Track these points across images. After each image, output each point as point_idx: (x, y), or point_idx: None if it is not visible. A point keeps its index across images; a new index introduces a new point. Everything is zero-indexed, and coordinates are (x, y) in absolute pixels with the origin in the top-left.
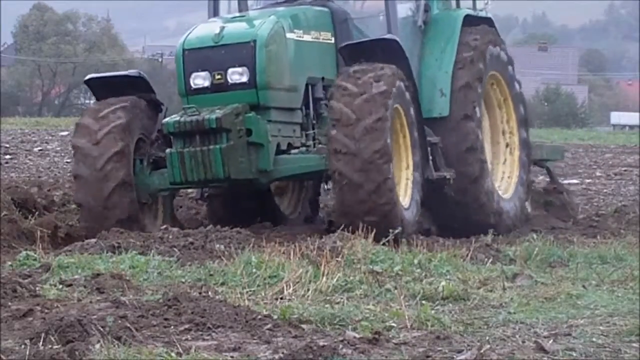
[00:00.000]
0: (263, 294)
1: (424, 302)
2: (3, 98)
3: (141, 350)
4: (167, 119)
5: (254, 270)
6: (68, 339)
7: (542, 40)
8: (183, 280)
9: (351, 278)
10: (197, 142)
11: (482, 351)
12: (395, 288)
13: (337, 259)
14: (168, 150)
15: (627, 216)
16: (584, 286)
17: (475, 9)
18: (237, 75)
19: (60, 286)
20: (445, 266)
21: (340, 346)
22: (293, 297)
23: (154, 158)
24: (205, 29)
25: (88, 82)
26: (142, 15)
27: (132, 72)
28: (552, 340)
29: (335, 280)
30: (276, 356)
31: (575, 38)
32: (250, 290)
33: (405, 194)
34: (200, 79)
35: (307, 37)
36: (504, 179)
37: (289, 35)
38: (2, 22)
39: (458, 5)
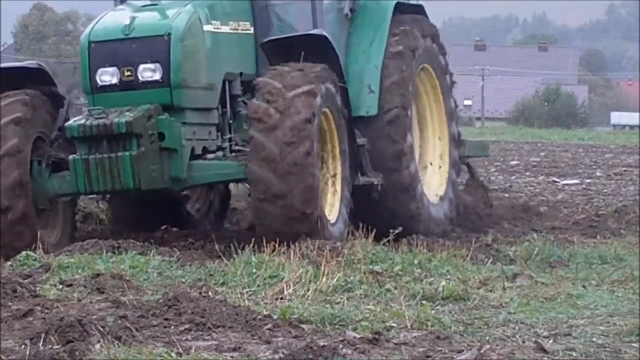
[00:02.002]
0: (263, 294)
1: (424, 302)
2: None
3: (141, 350)
4: (70, 122)
5: (254, 270)
6: (68, 339)
7: (542, 40)
8: (183, 280)
9: (351, 278)
10: (104, 149)
11: (482, 351)
12: (395, 288)
13: (337, 259)
14: (71, 157)
15: (627, 216)
16: (584, 286)
17: None
18: (148, 72)
19: (61, 286)
20: (445, 266)
21: (340, 346)
22: (293, 297)
23: (54, 160)
24: (113, 19)
25: None
26: None
27: (30, 63)
28: (552, 340)
29: (335, 280)
30: (276, 356)
31: (575, 38)
32: (250, 290)
33: (333, 208)
34: (107, 76)
35: (225, 29)
36: (434, 180)
37: (206, 27)
38: (2, 22)
39: None
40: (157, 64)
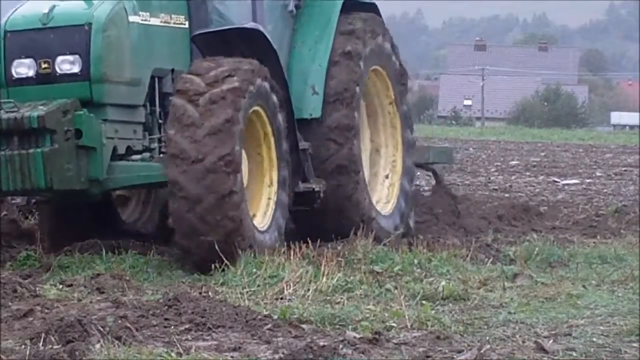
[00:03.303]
0: (263, 294)
1: (424, 302)
2: None
3: (141, 350)
4: None
5: (254, 270)
6: (68, 339)
7: (542, 40)
8: (183, 280)
9: (351, 278)
10: (15, 145)
11: (482, 351)
12: (395, 288)
13: (337, 259)
14: None
15: (627, 216)
16: (584, 286)
17: None
18: (67, 64)
19: (61, 286)
20: (445, 266)
21: (341, 346)
22: (293, 297)
23: None
24: (32, 8)
25: None
26: None
27: None
28: (552, 340)
29: (335, 280)
30: (276, 356)
31: (575, 38)
32: (251, 290)
33: (265, 215)
34: (23, 67)
35: (155, 21)
36: (384, 190)
37: (132, 18)
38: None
39: None
40: (76, 56)
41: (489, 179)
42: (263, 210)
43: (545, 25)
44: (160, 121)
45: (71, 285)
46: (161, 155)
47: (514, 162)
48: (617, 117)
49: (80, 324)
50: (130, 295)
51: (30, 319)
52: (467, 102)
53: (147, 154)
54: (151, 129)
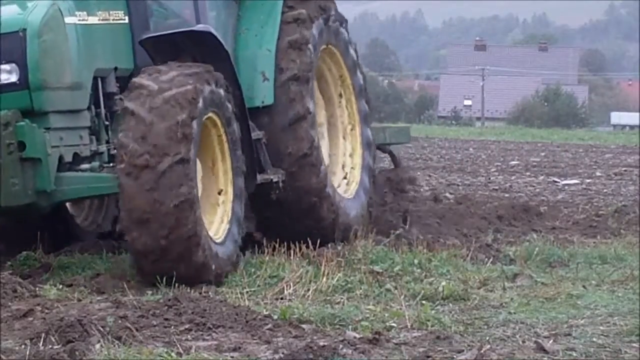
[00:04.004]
0: (263, 294)
1: (424, 302)
2: None
3: (141, 350)
4: None
5: (254, 270)
6: (68, 339)
7: (543, 40)
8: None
9: (351, 278)
10: None
11: (482, 351)
12: (395, 288)
13: (337, 259)
14: None
15: (627, 216)
16: (584, 286)
17: None
18: (4, 73)
19: (61, 286)
20: (446, 266)
21: (341, 346)
22: (293, 297)
23: None
24: None
25: None
26: None
27: None
28: (552, 340)
29: (335, 280)
30: (276, 356)
31: (575, 38)
32: (251, 290)
33: (220, 226)
34: None
35: (93, 20)
36: (346, 171)
37: (68, 19)
38: None
39: None
40: (13, 65)
41: (489, 179)
42: (218, 221)
43: (545, 25)
44: (106, 123)
45: (71, 285)
46: (112, 164)
47: (514, 162)
48: (617, 117)
49: (80, 324)
50: (130, 295)
51: (30, 319)
52: (467, 102)
53: (96, 163)
54: (98, 132)
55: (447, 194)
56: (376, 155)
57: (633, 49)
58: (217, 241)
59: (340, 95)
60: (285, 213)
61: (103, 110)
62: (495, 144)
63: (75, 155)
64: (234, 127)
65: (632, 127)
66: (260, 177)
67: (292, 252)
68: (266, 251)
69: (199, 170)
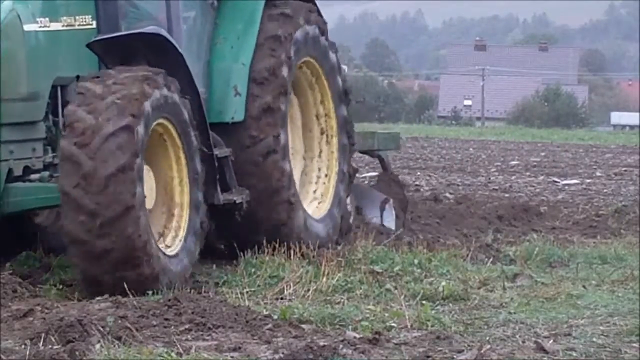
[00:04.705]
0: (263, 294)
1: (424, 302)
2: None
3: (141, 350)
4: None
5: (254, 270)
6: (68, 339)
7: (543, 40)
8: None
9: (351, 278)
10: None
11: (482, 351)
12: (396, 288)
13: (337, 259)
14: None
15: (627, 216)
16: (584, 286)
17: None
18: None
19: (61, 286)
20: (446, 266)
21: (341, 346)
22: (293, 297)
23: None
24: None
25: None
26: None
27: None
28: (552, 340)
29: (335, 280)
30: (276, 356)
31: (575, 38)
32: (251, 290)
33: (175, 239)
34: None
35: (56, 26)
36: (319, 184)
37: (28, 26)
38: None
39: None
40: None
41: (489, 179)
42: (173, 235)
43: (545, 25)
44: (64, 133)
45: (71, 285)
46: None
47: (514, 162)
48: (617, 117)
49: (80, 324)
50: (130, 295)
51: (30, 319)
52: (467, 102)
53: (46, 173)
54: (54, 142)
55: (447, 194)
56: (355, 174)
57: (633, 49)
58: (170, 253)
59: (317, 103)
60: (248, 236)
61: (61, 120)
62: (495, 144)
63: (26, 168)
64: (190, 135)
65: (632, 127)
66: (224, 197)
67: (292, 252)
68: (266, 251)
69: (150, 179)
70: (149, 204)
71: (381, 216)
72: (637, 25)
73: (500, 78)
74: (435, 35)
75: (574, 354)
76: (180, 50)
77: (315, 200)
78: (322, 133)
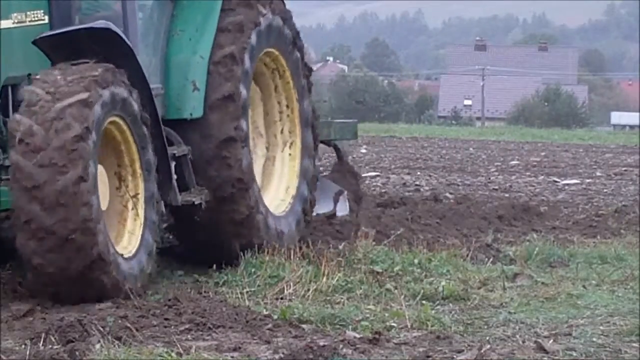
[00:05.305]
0: (263, 294)
1: (424, 302)
2: None
3: (141, 350)
4: None
5: (254, 270)
6: (68, 339)
7: (542, 40)
8: (183, 280)
9: (351, 278)
10: None
11: (482, 351)
12: (396, 288)
13: (337, 259)
14: None
15: (627, 216)
16: (584, 286)
17: None
18: None
19: None
20: (446, 266)
21: (341, 346)
22: (293, 297)
23: None
24: None
25: None
26: None
27: None
28: (552, 340)
29: (335, 280)
30: (276, 356)
31: (575, 38)
32: (251, 290)
33: (132, 236)
34: None
35: (5, 23)
36: (279, 194)
37: None
38: None
39: None
40: None
41: (489, 179)
42: (129, 233)
43: (545, 25)
44: (11, 145)
45: None
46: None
47: (514, 162)
48: (617, 117)
49: (80, 324)
50: (130, 296)
51: (30, 319)
52: (467, 102)
53: None
54: (4, 145)
55: (447, 194)
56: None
57: (633, 49)
58: (128, 255)
59: (280, 99)
60: (209, 237)
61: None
62: (495, 144)
63: None
64: (142, 129)
65: (632, 127)
66: (182, 197)
67: (292, 252)
68: (266, 251)
69: (103, 177)
70: (103, 205)
71: (334, 207)
72: (637, 25)
73: (500, 78)
74: (435, 35)
75: (574, 354)
76: (130, 45)
77: (278, 196)
78: (284, 129)
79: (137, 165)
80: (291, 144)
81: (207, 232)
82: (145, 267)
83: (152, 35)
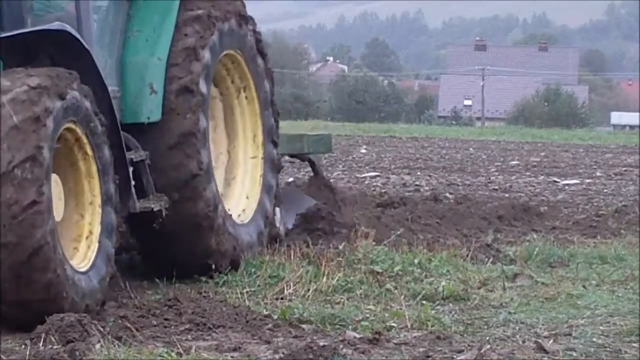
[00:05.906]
0: (263, 294)
1: (424, 302)
2: None
3: (141, 350)
4: None
5: (254, 270)
6: (68, 339)
7: (542, 40)
8: (183, 280)
9: (351, 278)
10: None
11: (482, 351)
12: (396, 288)
13: (337, 259)
14: None
15: (627, 216)
16: (584, 286)
17: None
18: None
19: None
20: (446, 266)
21: (341, 346)
22: (293, 297)
23: None
24: None
25: None
26: None
27: None
28: (552, 340)
29: (335, 280)
30: (276, 356)
31: (575, 38)
32: (251, 290)
33: (90, 246)
34: None
35: None
36: (243, 193)
37: None
38: None
39: None
40: None
41: (489, 179)
42: (86, 242)
43: (545, 25)
44: None
45: None
46: None
47: (514, 162)
48: (617, 117)
49: (80, 324)
50: (130, 296)
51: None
52: (467, 102)
53: None
54: None
55: (447, 194)
56: (281, 168)
57: (633, 49)
58: (84, 268)
59: (242, 107)
60: (168, 243)
61: None
62: (495, 144)
63: None
64: (98, 134)
65: (632, 127)
66: (141, 204)
67: (292, 252)
68: (266, 251)
69: (58, 186)
70: (58, 215)
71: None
72: (637, 25)
73: (500, 78)
74: (435, 35)
75: (574, 354)
76: (87, 47)
77: (239, 206)
78: (247, 139)
79: (96, 180)
80: (253, 154)
81: (165, 238)
82: (102, 278)
83: (107, 36)
